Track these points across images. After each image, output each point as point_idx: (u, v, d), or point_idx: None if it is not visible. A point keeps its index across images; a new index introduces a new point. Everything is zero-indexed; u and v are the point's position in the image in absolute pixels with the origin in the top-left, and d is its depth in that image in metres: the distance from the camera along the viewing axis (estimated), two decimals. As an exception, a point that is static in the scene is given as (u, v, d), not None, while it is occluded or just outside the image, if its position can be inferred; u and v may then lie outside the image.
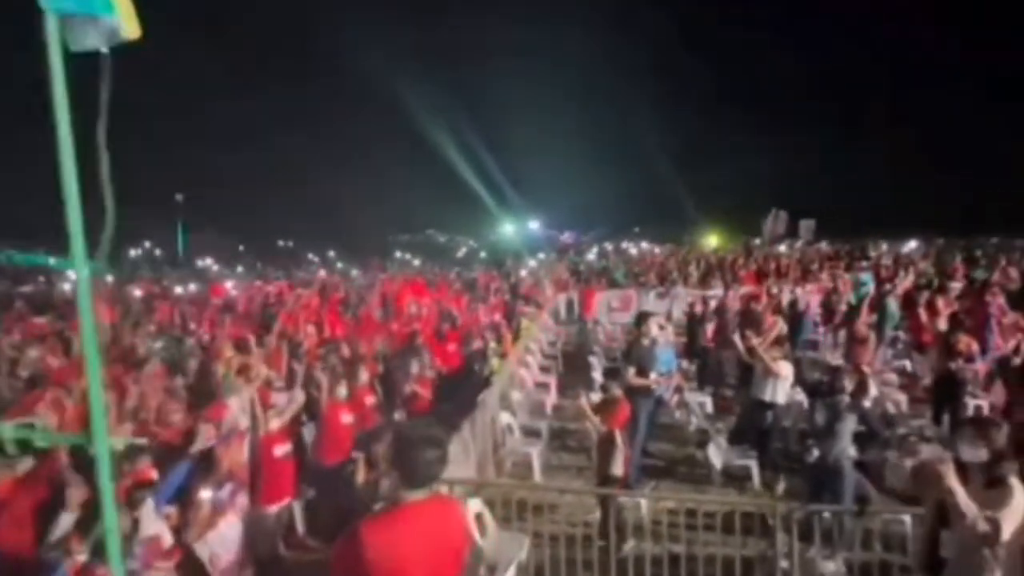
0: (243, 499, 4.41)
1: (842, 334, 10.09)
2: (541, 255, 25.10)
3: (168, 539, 3.70)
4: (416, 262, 29.81)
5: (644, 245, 29.64)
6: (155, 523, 3.48)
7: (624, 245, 39.33)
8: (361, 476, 3.90)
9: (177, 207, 41.19)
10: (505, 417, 7.02)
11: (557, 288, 17.15)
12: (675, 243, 31.49)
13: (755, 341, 6.76)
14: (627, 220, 61.32)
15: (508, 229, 50.20)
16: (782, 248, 23.10)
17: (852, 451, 4.45)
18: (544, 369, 10.25)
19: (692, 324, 10.52)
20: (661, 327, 8.10)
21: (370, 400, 6.65)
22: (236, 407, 5.94)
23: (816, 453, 4.28)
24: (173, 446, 4.86)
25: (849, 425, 4.41)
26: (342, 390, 5.92)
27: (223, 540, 3.76)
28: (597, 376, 8.83)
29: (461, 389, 8.34)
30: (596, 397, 7.75)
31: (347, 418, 5.95)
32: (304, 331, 8.46)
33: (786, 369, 6.17)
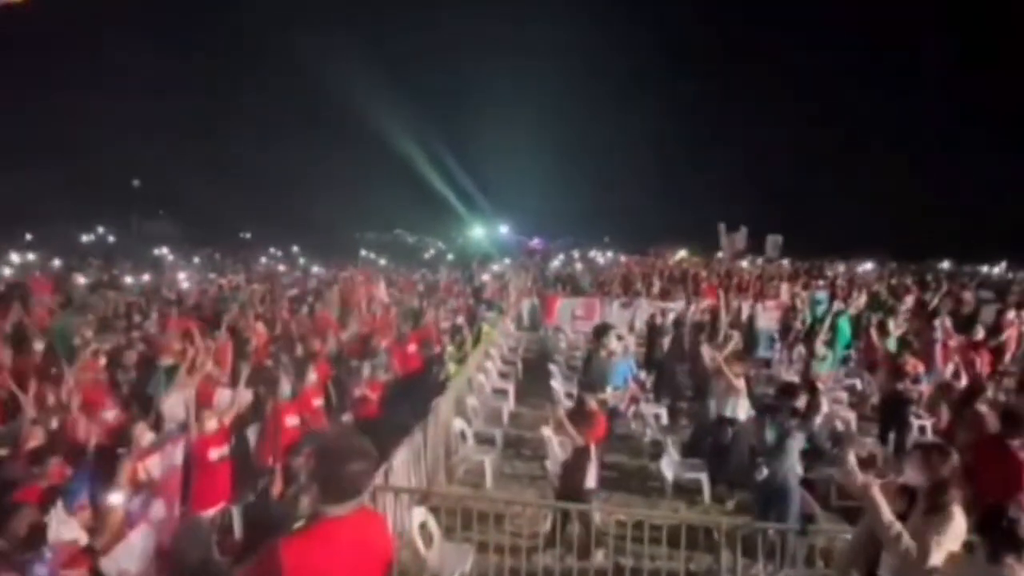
0: (159, 508, 4.15)
1: (797, 351, 10.27)
2: (507, 260, 25.03)
3: (82, 540, 3.46)
4: (382, 261, 29.27)
5: (611, 255, 29.83)
6: (65, 526, 3.24)
7: (592, 254, 39.58)
8: (277, 488, 3.72)
9: (133, 192, 39.72)
10: (459, 423, 6.89)
11: (520, 293, 17.09)
12: (642, 254, 31.87)
13: (714, 355, 6.82)
14: (597, 230, 61.86)
15: (477, 232, 50.05)
16: (744, 264, 23.55)
17: (799, 468, 4.47)
18: (503, 375, 10.15)
19: (651, 335, 10.60)
20: (620, 338, 8.12)
21: (317, 402, 6.44)
22: (173, 403, 5.68)
23: (765, 471, 4.28)
24: (103, 446, 4.58)
25: (798, 443, 4.44)
26: (286, 389, 5.69)
27: (131, 553, 3.52)
28: (556, 385, 8.77)
29: (418, 392, 8.19)
30: (559, 409, 7.74)
31: (292, 420, 5.73)
32: (253, 327, 8.15)
33: (742, 385, 6.23)
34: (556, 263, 25.19)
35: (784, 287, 17.69)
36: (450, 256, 39.74)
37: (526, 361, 12.19)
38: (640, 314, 16.55)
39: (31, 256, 27.77)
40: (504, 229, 54.66)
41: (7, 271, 16.06)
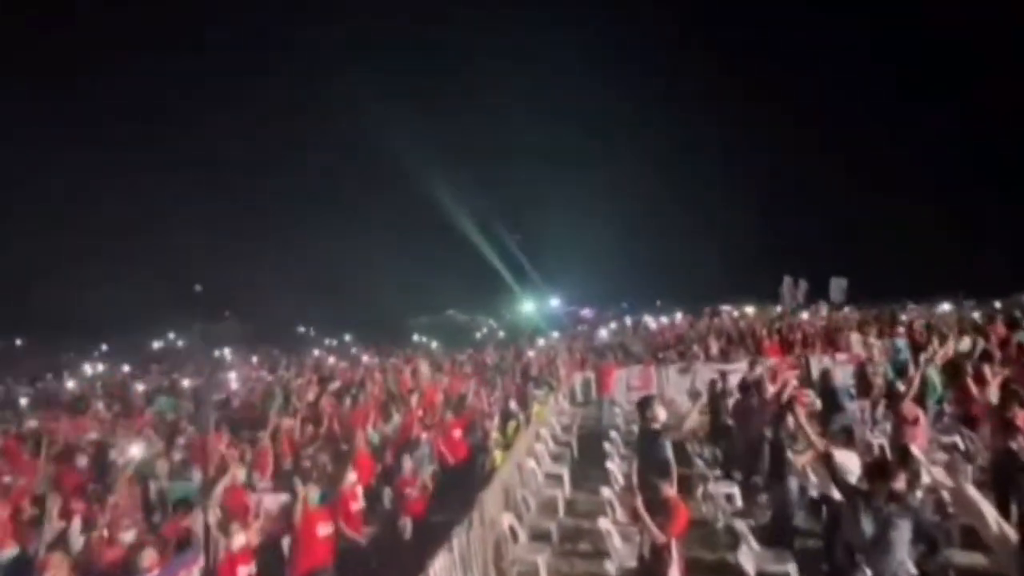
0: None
1: (880, 410, 9.24)
2: (556, 333, 24.51)
3: None
4: (434, 344, 29.26)
5: (664, 319, 28.77)
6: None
7: (645, 319, 38.64)
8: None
9: (196, 297, 41.79)
10: (508, 519, 6.28)
11: (572, 367, 16.47)
12: (695, 314, 30.74)
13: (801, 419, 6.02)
14: (649, 294, 60.74)
15: (527, 307, 49.85)
16: (804, 315, 22.22)
17: (910, 565, 3.69)
18: (556, 458, 9.47)
19: (713, 401, 9.75)
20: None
21: (356, 505, 6.03)
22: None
23: (869, 573, 3.53)
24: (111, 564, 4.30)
25: (903, 533, 3.67)
26: (313, 494, 5.33)
27: None
28: (613, 467, 8.06)
29: (465, 483, 7.67)
30: (611, 491, 7.04)
31: (324, 529, 5.33)
32: (288, 427, 7.93)
33: (847, 458, 5.32)
34: (605, 332, 24.46)
35: (854, 337, 16.45)
36: (501, 333, 39.49)
37: (581, 439, 11.46)
38: (699, 378, 15.61)
39: (100, 367, 29.20)
40: (555, 302, 54.36)
41: (71, 384, 16.73)
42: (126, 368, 24.57)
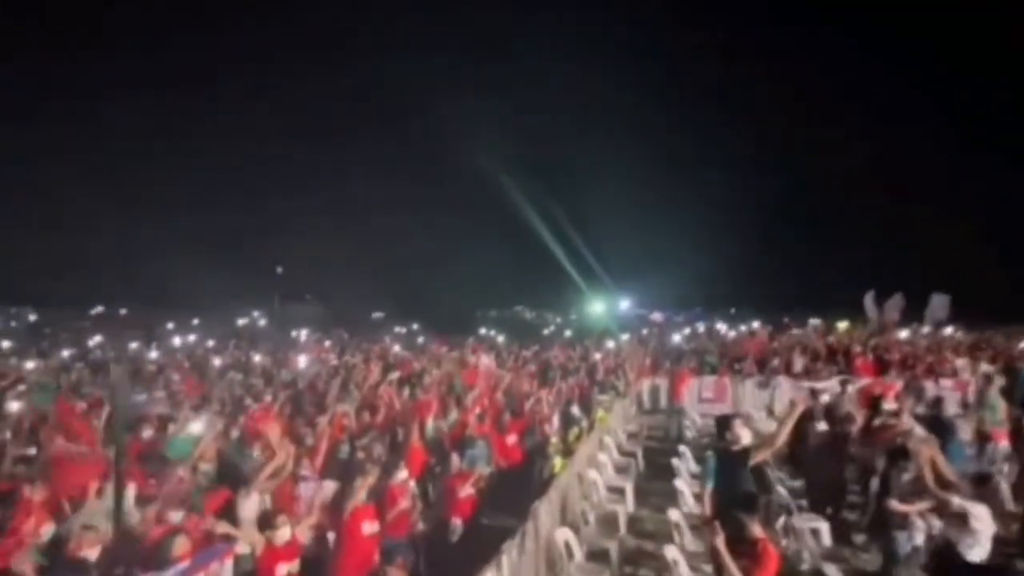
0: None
1: (1002, 448, 8.08)
2: (626, 336, 23.63)
3: None
4: (500, 338, 29.04)
5: (743, 328, 27.14)
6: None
7: (718, 326, 36.85)
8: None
9: (277, 278, 43.89)
10: (563, 534, 5.80)
11: (640, 371, 15.70)
12: (776, 327, 28.94)
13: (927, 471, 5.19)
14: (723, 301, 58.21)
15: (597, 307, 48.89)
16: (903, 333, 20.32)
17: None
18: (620, 470, 8.88)
19: (799, 425, 8.78)
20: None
21: (405, 503, 5.73)
22: (251, 504, 5.25)
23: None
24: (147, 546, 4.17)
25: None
26: (362, 493, 5.05)
27: None
28: (682, 485, 7.40)
29: (520, 489, 7.26)
30: (680, 514, 6.42)
31: (370, 527, 5.05)
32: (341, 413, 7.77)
33: (981, 514, 4.51)
34: (678, 337, 23.34)
35: (960, 362, 14.75)
36: (567, 332, 38.85)
37: (648, 450, 10.80)
38: (780, 395, 14.48)
39: (192, 337, 30.98)
40: (625, 303, 53.04)
41: (154, 354, 17.62)
42: (210, 342, 25.84)
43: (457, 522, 5.79)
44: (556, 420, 9.01)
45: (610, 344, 17.62)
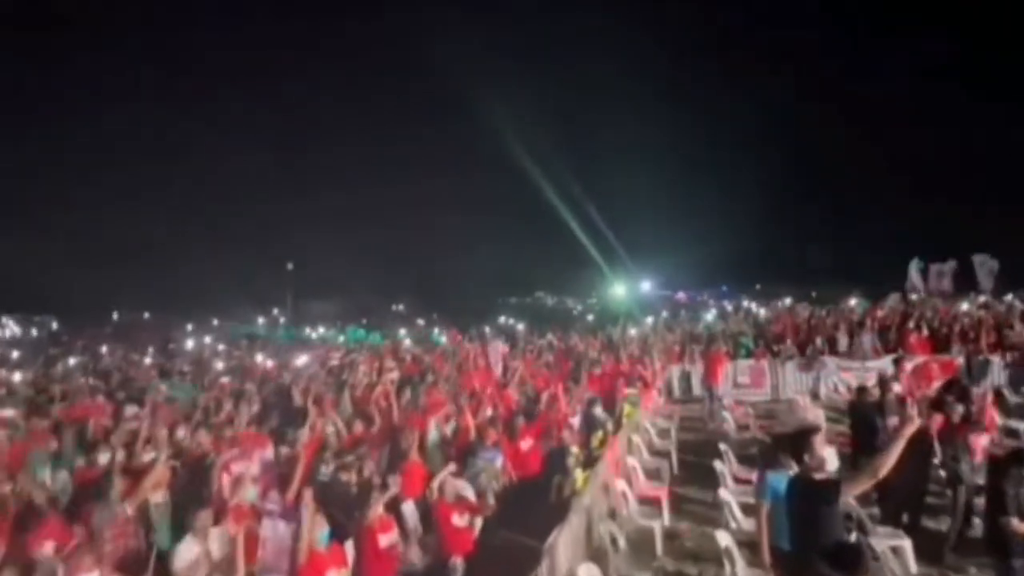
0: None
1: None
2: (650, 319, 22.35)
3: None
4: (520, 326, 27.92)
5: (784, 302, 25.13)
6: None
7: (746, 304, 35.25)
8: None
9: (288, 276, 43.43)
10: (587, 572, 4.70)
11: (668, 357, 14.49)
12: (807, 301, 27.30)
13: None
14: (745, 277, 56.34)
15: (618, 290, 47.71)
16: (964, 306, 18.63)
17: None
18: (651, 474, 7.75)
19: (859, 413, 7.47)
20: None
21: (385, 540, 4.68)
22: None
23: None
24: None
25: None
26: (320, 530, 4.04)
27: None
28: (727, 495, 6.25)
29: (537, 506, 6.21)
30: (729, 537, 5.29)
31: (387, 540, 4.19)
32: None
33: None
34: (709, 316, 21.99)
35: None
36: (589, 317, 37.63)
37: (682, 446, 9.65)
38: (825, 378, 13.20)
39: (207, 339, 30.52)
40: (646, 284, 51.62)
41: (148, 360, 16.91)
42: (220, 346, 25.29)
43: (457, 560, 4.74)
44: (577, 422, 7.91)
45: (632, 331, 16.37)
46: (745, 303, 35.85)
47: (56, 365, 17.70)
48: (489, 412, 7.96)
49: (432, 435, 7.21)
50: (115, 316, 54.58)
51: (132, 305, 56.08)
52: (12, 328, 46.49)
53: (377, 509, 4.55)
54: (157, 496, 5.29)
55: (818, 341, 13.51)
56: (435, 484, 5.18)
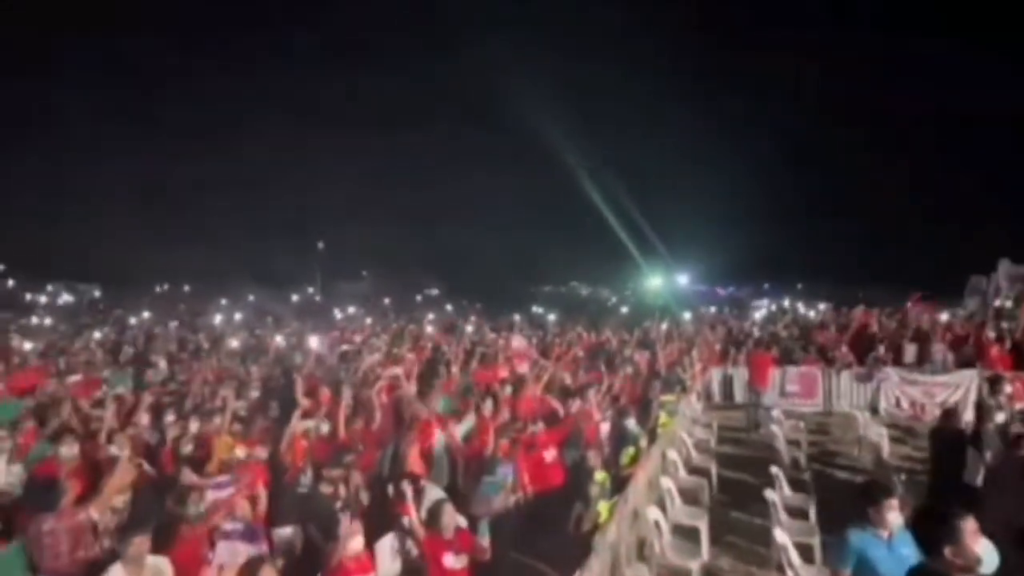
0: None
1: None
2: (688, 314, 21.03)
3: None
4: (552, 316, 26.90)
5: (862, 308, 23.29)
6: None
7: (788, 303, 33.36)
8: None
9: (318, 255, 43.52)
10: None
11: (712, 360, 13.32)
12: (845, 304, 25.36)
13: None
14: (788, 276, 54.03)
15: (655, 282, 46.28)
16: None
17: None
18: (689, 497, 6.72)
19: (949, 443, 6.23)
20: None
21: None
22: None
23: None
24: None
25: None
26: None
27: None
28: (782, 538, 5.18)
29: (558, 525, 5.32)
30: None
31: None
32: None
33: None
34: (758, 315, 20.56)
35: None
36: (624, 309, 36.29)
37: (723, 460, 8.58)
38: (888, 390, 11.85)
39: (237, 315, 30.48)
40: (684, 279, 49.95)
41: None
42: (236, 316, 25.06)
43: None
44: (604, 433, 6.94)
45: (663, 326, 15.19)
46: (787, 302, 34.01)
47: (83, 334, 17.61)
48: (507, 415, 7.08)
49: (437, 439, 6.36)
50: (158, 290, 55.72)
51: (176, 279, 57.27)
52: (62, 296, 47.78)
53: (353, 542, 3.71)
54: (117, 500, 4.57)
55: (880, 349, 12.12)
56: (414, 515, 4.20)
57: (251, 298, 47.72)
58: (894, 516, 3.37)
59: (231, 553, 3.87)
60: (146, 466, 4.94)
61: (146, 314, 29.31)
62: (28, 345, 12.36)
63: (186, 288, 57.18)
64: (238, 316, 30.18)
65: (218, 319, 26.65)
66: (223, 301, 39.67)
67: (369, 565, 3.75)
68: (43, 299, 42.92)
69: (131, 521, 4.31)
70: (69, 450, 5.03)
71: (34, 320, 25.42)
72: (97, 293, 48.54)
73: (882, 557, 3.32)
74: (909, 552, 3.38)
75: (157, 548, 3.62)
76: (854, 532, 3.43)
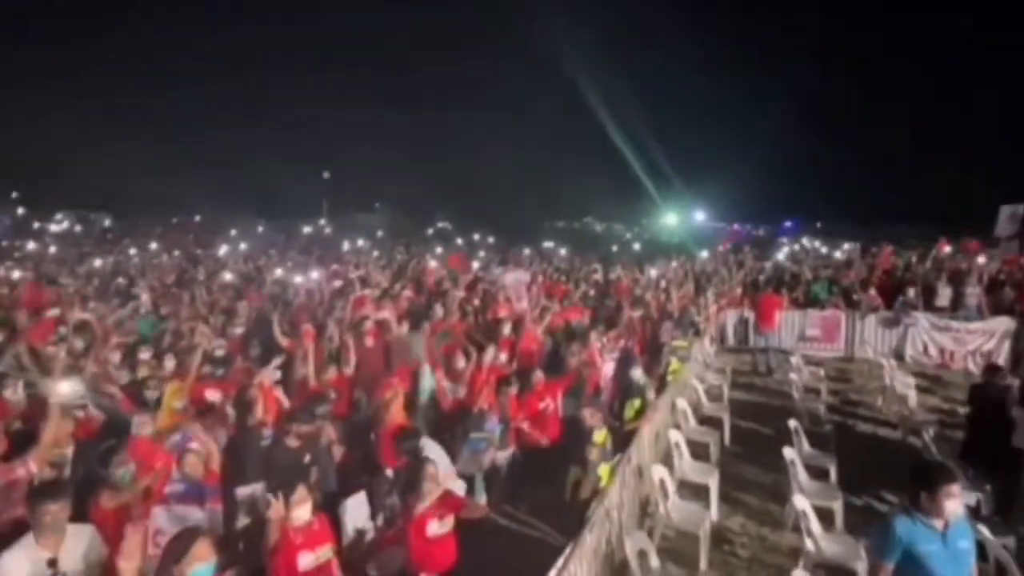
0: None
1: None
2: (705, 252, 20.18)
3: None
4: (563, 251, 26.11)
5: (890, 247, 22.15)
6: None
7: (809, 243, 32.20)
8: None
9: (325, 184, 42.54)
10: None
11: (725, 301, 12.65)
12: (871, 243, 24.25)
13: None
14: (807, 214, 52.25)
15: (671, 219, 45.13)
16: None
17: None
18: (698, 452, 6.21)
19: (991, 401, 5.60)
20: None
21: (324, 551, 3.35)
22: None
23: None
24: None
25: None
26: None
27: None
28: (803, 504, 4.65)
29: (557, 478, 4.87)
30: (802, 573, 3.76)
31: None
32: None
33: None
34: (780, 256, 19.65)
35: None
36: (636, 246, 35.34)
37: (736, 408, 8.05)
38: (916, 336, 11.17)
39: (243, 245, 30.02)
40: (700, 215, 48.60)
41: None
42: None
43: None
44: (609, 370, 6.39)
45: (674, 263, 14.47)
46: (806, 242, 32.83)
47: (85, 263, 17.24)
48: (503, 358, 6.54)
49: (426, 383, 5.85)
50: (174, 220, 55.33)
51: (190, 209, 56.73)
52: (70, 223, 47.47)
53: (299, 511, 3.18)
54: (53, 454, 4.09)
55: (910, 292, 11.34)
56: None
57: (259, 229, 47.26)
58: (954, 505, 2.77)
59: (171, 518, 3.41)
60: (92, 411, 4.45)
61: (154, 245, 28.94)
62: (16, 274, 11.94)
63: (197, 218, 56.78)
64: (243, 247, 29.77)
65: (223, 250, 26.19)
66: (232, 232, 39.18)
67: (324, 535, 3.25)
68: (53, 227, 42.57)
69: (71, 480, 3.85)
70: (13, 394, 4.57)
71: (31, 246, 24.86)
72: (107, 222, 48.14)
73: (935, 552, 2.75)
74: (967, 545, 2.82)
75: (83, 514, 3.15)
76: (900, 520, 2.85)
